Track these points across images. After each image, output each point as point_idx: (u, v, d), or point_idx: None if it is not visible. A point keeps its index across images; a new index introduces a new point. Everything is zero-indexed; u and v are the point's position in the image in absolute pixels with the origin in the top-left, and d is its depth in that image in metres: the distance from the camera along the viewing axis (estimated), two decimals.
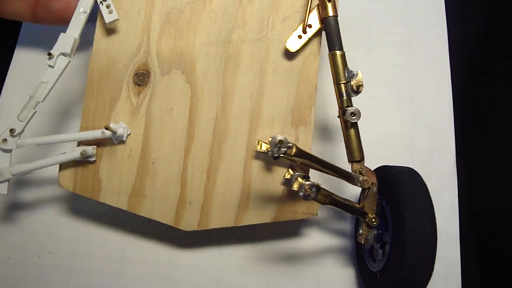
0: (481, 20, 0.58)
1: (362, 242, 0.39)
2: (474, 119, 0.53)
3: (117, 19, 0.39)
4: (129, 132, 0.39)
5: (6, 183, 0.37)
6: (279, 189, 0.40)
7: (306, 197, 0.33)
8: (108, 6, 0.38)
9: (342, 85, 0.39)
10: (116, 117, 0.40)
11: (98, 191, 0.39)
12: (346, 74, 0.39)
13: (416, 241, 0.35)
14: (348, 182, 0.39)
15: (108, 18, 0.38)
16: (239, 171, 0.40)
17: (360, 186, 0.39)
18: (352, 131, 0.39)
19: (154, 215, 0.40)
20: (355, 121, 0.38)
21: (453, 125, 0.51)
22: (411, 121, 0.51)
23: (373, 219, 0.39)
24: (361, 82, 0.39)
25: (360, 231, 0.39)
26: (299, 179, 0.35)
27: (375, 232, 0.39)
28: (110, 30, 0.40)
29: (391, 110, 0.51)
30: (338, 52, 0.39)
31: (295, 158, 0.36)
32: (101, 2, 0.38)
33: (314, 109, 0.41)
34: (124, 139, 0.39)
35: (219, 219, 0.40)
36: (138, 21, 0.40)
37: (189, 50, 0.40)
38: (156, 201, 0.40)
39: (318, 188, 0.34)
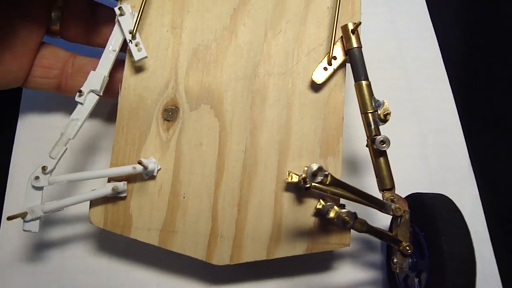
0: (465, 24, 0.62)
1: (397, 271, 0.38)
2: (479, 119, 0.55)
3: (146, 57, 0.40)
4: (159, 167, 0.39)
5: (38, 221, 0.36)
6: (311, 220, 0.40)
7: (344, 224, 0.33)
8: (137, 44, 0.39)
9: (370, 115, 0.40)
10: (146, 152, 0.40)
11: (129, 227, 0.39)
12: (373, 103, 0.40)
13: (455, 266, 0.34)
14: (380, 210, 0.39)
15: (137, 56, 0.39)
16: (269, 203, 0.40)
17: (393, 214, 0.38)
18: (381, 159, 0.39)
19: (186, 250, 0.39)
20: (385, 149, 0.38)
21: (461, 129, 0.53)
22: (420, 131, 0.52)
23: (407, 247, 0.38)
24: (389, 110, 0.40)
25: (395, 260, 0.38)
26: (335, 207, 0.35)
27: (410, 260, 0.39)
28: (138, 68, 0.41)
29: (396, 123, 0.51)
30: (364, 82, 0.40)
31: (329, 188, 0.36)
32: (130, 40, 0.39)
33: (341, 139, 0.42)
34: (155, 174, 0.39)
35: (251, 253, 0.39)
36: (166, 58, 0.41)
37: (216, 85, 0.41)
38: (187, 236, 0.39)
39: (355, 215, 0.33)
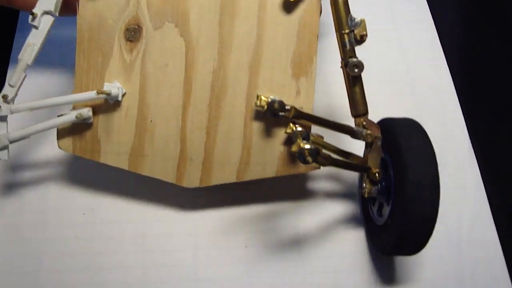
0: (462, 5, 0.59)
1: (365, 196, 0.39)
2: (478, 99, 0.53)
3: None
4: (124, 91, 0.38)
5: (6, 150, 0.37)
6: (281, 143, 0.39)
7: (305, 162, 0.32)
8: None
9: (345, 35, 0.37)
10: (110, 76, 0.38)
11: (98, 152, 0.39)
12: (349, 22, 0.37)
13: (417, 191, 0.34)
14: (352, 137, 0.38)
15: None
16: (239, 126, 0.39)
17: (364, 141, 0.38)
18: (355, 83, 0.37)
19: (156, 174, 0.40)
20: (357, 74, 0.36)
21: (460, 109, 0.51)
22: (418, 113, 0.49)
23: (377, 174, 0.38)
24: (365, 31, 0.37)
25: (364, 185, 0.39)
26: (299, 140, 0.34)
27: (379, 186, 0.39)
28: None
29: (393, 104, 0.51)
30: None
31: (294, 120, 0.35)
32: None
33: (315, 59, 0.39)
34: (120, 99, 0.38)
35: (221, 175, 0.40)
36: None
37: (181, 1, 0.38)
38: (156, 160, 0.40)
39: (317, 151, 0.33)
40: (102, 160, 0.39)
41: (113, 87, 0.37)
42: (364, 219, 0.43)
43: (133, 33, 0.38)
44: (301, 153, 0.32)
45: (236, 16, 0.38)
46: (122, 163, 0.39)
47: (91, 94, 0.37)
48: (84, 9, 0.38)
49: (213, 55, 0.39)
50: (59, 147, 0.39)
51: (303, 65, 0.39)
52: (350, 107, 0.38)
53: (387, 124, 0.39)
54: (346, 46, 0.37)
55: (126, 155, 0.39)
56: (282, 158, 0.40)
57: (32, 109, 0.37)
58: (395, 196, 0.36)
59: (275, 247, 0.43)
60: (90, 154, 0.39)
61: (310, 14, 0.38)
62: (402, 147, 0.35)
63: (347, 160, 0.37)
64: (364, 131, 0.37)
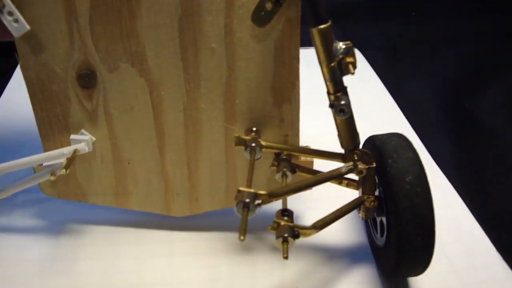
0: None
1: (363, 218, 0.37)
2: None
3: (28, 30, 0.30)
4: (93, 139, 0.35)
5: None
6: (268, 167, 0.36)
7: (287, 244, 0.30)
8: (10, 14, 0.29)
9: (329, 68, 0.31)
10: (75, 125, 0.35)
11: (83, 195, 0.38)
12: (335, 52, 0.30)
13: (404, 184, 0.32)
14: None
15: (16, 30, 0.30)
16: (221, 160, 0.37)
17: (356, 175, 0.34)
18: (342, 121, 0.32)
19: (144, 208, 0.39)
20: (344, 117, 0.31)
21: None
22: None
23: (371, 202, 0.35)
24: (354, 58, 0.30)
25: (359, 212, 0.37)
26: (279, 220, 0.31)
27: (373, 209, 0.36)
28: (29, 34, 0.32)
29: None
30: (323, 27, 0.29)
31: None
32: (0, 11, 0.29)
33: (298, 83, 0.34)
34: (90, 149, 0.35)
35: (210, 203, 0.39)
36: (57, 11, 0.31)
37: (133, 36, 0.32)
38: (142, 196, 0.39)
39: (296, 235, 0.30)
40: (90, 201, 0.39)
41: (80, 139, 0.35)
42: (370, 246, 0.41)
43: (87, 79, 0.33)
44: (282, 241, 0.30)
45: (200, 48, 0.32)
46: (109, 202, 0.39)
47: (59, 155, 0.34)
48: (26, 60, 0.33)
49: (181, 92, 0.34)
50: (44, 193, 0.38)
51: (284, 91, 0.34)
52: (339, 140, 0.34)
53: (373, 142, 0.35)
54: (331, 81, 0.31)
55: (112, 195, 0.38)
56: (271, 182, 0.38)
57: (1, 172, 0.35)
58: (387, 208, 0.34)
59: None
60: (75, 197, 0.39)
61: (288, 34, 0.32)
62: (387, 161, 0.33)
63: (335, 212, 0.34)
64: (355, 169, 0.34)
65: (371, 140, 0.36)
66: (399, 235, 0.32)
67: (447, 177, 0.49)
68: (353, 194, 0.37)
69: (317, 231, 0.31)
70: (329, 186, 0.37)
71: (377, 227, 0.38)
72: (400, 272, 0.35)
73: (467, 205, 0.45)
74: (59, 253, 0.39)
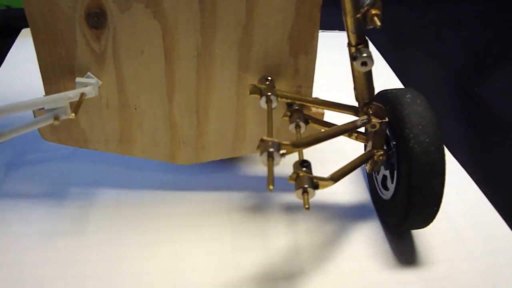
0: None
1: (369, 171, 0.38)
2: None
3: None
4: (99, 83, 0.34)
5: None
6: (277, 120, 0.36)
7: (306, 194, 0.30)
8: None
9: (354, 19, 0.30)
10: (81, 68, 0.33)
11: (85, 141, 0.37)
12: (360, 2, 0.29)
13: (420, 153, 0.32)
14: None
15: None
16: (231, 106, 0.36)
17: (370, 129, 0.35)
18: (361, 73, 0.32)
19: (148, 155, 0.38)
20: (366, 70, 0.31)
21: None
22: None
23: (381, 156, 0.36)
24: (380, 11, 0.30)
25: (367, 165, 0.37)
26: (299, 172, 0.30)
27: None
28: None
29: None
30: None
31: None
32: None
33: (317, 34, 0.33)
34: (97, 94, 0.34)
35: (216, 152, 0.38)
36: None
37: None
38: (147, 144, 0.38)
39: (316, 185, 0.30)
40: (91, 147, 0.37)
41: (86, 82, 0.33)
42: (373, 199, 0.42)
43: (96, 19, 0.31)
44: (300, 185, 0.30)
45: None
46: (112, 149, 0.38)
47: (64, 97, 0.32)
48: None
49: (196, 37, 0.32)
50: (43, 138, 0.37)
51: (302, 41, 0.33)
52: (355, 94, 0.34)
53: (385, 96, 0.36)
54: (354, 32, 0.30)
55: (115, 141, 0.37)
56: (279, 134, 0.37)
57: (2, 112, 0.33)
58: (398, 162, 0.35)
59: None
60: (77, 143, 0.37)
61: None
62: (403, 114, 0.33)
63: (348, 165, 0.34)
64: (368, 122, 0.34)
65: (383, 94, 0.37)
66: (409, 182, 0.32)
67: (459, 162, 0.48)
68: (357, 147, 0.37)
69: (334, 182, 0.31)
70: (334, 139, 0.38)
71: (383, 180, 0.39)
72: (408, 222, 0.35)
73: (481, 189, 0.44)
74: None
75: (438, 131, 0.33)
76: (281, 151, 0.28)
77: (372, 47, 0.69)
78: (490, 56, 0.73)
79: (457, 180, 0.45)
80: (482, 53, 0.73)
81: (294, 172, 0.30)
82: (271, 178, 0.27)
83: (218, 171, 0.43)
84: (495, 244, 0.39)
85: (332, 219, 0.40)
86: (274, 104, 0.33)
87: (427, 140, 0.32)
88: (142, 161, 0.41)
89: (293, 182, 0.30)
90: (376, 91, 0.35)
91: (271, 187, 0.26)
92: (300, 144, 0.30)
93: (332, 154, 0.46)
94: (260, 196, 0.41)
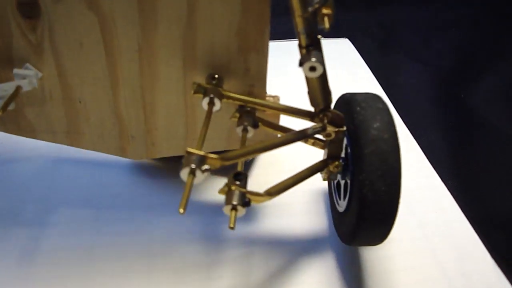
0: None
1: (325, 179, 0.35)
2: None
3: None
4: (39, 74, 0.32)
5: None
6: (228, 121, 0.34)
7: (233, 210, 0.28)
8: None
9: (302, 18, 0.27)
10: (19, 59, 0.32)
11: (32, 132, 0.36)
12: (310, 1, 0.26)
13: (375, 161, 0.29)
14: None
15: None
16: (179, 105, 0.34)
17: (325, 138, 0.32)
18: (314, 80, 0.29)
19: (98, 149, 0.37)
20: (315, 76, 0.28)
21: None
22: None
23: (336, 167, 0.33)
24: (331, 9, 0.27)
25: (322, 174, 0.35)
26: (232, 186, 0.28)
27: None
28: None
29: None
30: None
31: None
32: None
33: (268, 31, 0.30)
34: (36, 85, 0.32)
35: (168, 149, 0.37)
36: None
37: None
38: (96, 137, 0.36)
39: (247, 202, 0.28)
40: (40, 138, 0.36)
41: (25, 74, 0.31)
42: (331, 210, 0.39)
43: (29, 9, 0.29)
44: (230, 199, 0.28)
45: None
46: (61, 141, 0.36)
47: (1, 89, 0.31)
48: None
49: (136, 31, 0.30)
50: None
51: (251, 38, 0.30)
52: (309, 100, 0.31)
53: (344, 100, 0.33)
54: (305, 32, 0.27)
55: (63, 133, 0.36)
56: (232, 134, 0.35)
57: None
58: (353, 167, 0.32)
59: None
60: (25, 133, 0.36)
61: None
62: (358, 119, 0.31)
63: (298, 175, 0.31)
64: (323, 132, 0.31)
65: (343, 96, 0.34)
66: (362, 183, 0.29)
67: (439, 175, 0.45)
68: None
69: (271, 198, 0.29)
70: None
71: (341, 191, 0.36)
72: (361, 235, 0.32)
73: (460, 206, 0.42)
74: None
75: (396, 145, 0.30)
76: (204, 167, 0.26)
77: (353, 50, 0.66)
78: (479, 61, 0.68)
79: (437, 198, 0.43)
80: (469, 58, 0.69)
81: (226, 185, 0.28)
82: (185, 199, 0.24)
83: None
84: (471, 266, 0.37)
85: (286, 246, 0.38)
86: (217, 107, 0.31)
87: (381, 139, 0.29)
88: None
89: (223, 195, 0.28)
90: None
91: (181, 210, 0.24)
92: (230, 157, 0.27)
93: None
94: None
